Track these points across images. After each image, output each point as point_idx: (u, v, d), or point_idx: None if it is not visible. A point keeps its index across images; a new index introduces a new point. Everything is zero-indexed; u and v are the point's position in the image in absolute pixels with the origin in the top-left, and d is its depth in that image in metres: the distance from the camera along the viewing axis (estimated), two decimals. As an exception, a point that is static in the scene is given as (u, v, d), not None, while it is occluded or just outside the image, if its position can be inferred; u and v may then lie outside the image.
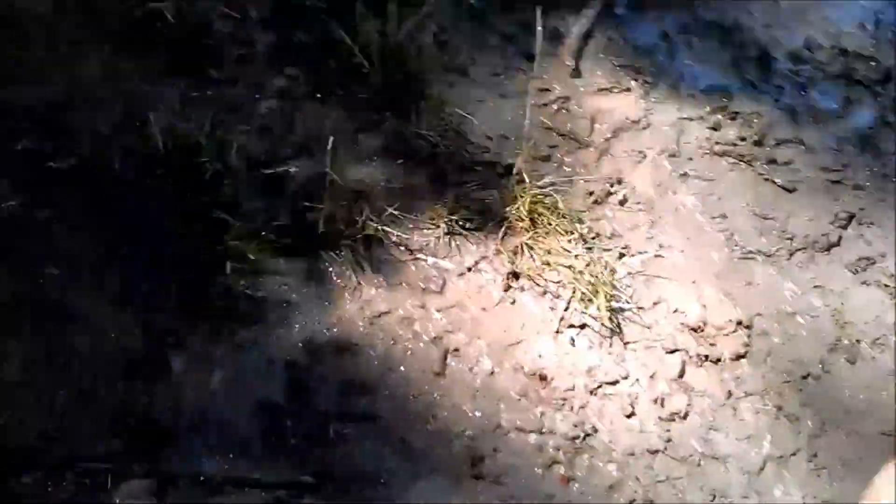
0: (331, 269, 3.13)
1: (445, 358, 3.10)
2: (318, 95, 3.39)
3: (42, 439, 2.56)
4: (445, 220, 3.26)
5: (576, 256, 3.25)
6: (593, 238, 3.34)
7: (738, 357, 3.23)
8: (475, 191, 3.36)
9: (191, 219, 3.01)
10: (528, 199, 3.25)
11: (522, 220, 3.27)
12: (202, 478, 2.63)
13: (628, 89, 3.76)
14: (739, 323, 3.28)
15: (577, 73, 3.75)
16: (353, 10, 3.43)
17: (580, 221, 3.33)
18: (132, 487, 2.54)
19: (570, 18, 3.85)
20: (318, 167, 3.14)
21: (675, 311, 3.29)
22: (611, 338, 3.21)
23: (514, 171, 3.30)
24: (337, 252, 3.12)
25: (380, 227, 3.15)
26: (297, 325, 3.00)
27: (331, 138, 3.08)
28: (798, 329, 3.30)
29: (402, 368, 3.02)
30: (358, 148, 3.29)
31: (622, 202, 3.49)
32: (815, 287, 3.39)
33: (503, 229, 3.29)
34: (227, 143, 3.09)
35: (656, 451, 2.99)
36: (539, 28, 3.36)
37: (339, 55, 3.41)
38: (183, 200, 3.00)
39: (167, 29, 3.30)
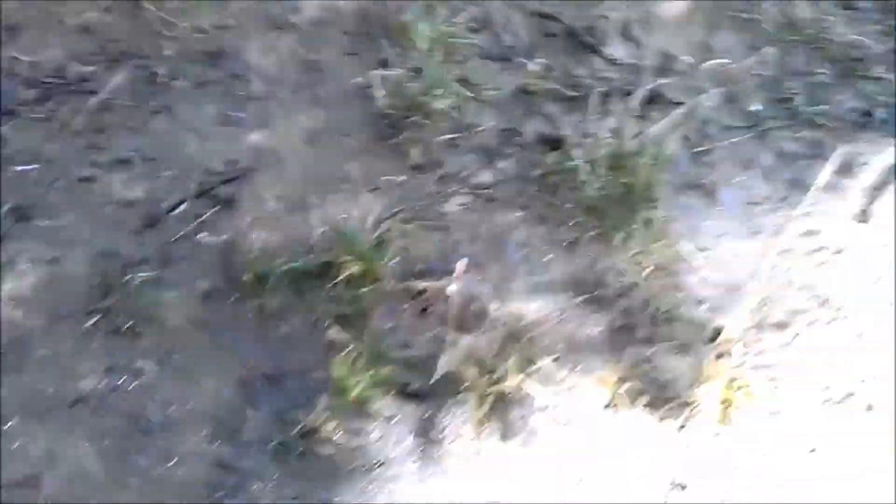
0: (445, 424, 2.55)
1: None
2: (517, 201, 3.05)
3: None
4: (614, 387, 2.62)
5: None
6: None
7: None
8: (664, 355, 2.71)
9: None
10: (726, 383, 2.58)
11: (711, 409, 2.58)
12: None
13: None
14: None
15: (863, 217, 3.06)
16: (584, 106, 3.20)
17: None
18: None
19: (876, 148, 3.24)
20: (478, 286, 2.81)
21: None
22: None
23: (721, 338, 2.69)
24: (460, 403, 2.57)
25: (524, 382, 2.60)
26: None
27: (506, 257, 2.89)
28: None
29: None
30: (536, 272, 2.90)
31: (870, 408, 2.66)
32: None
33: (684, 416, 2.58)
34: (386, 241, 2.86)
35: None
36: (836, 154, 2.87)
37: (557, 153, 3.12)
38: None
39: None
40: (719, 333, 2.73)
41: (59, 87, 3.26)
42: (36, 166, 3.07)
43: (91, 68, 3.31)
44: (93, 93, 3.22)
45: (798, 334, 2.78)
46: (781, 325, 2.79)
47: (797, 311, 2.82)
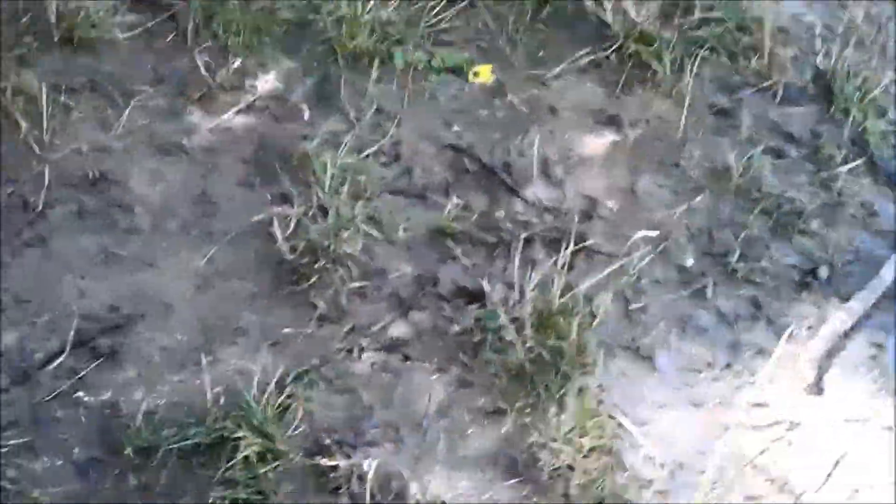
0: None
1: None
2: (434, 361, 2.82)
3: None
4: None
5: None
6: None
7: None
8: None
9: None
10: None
11: None
12: None
13: (889, 428, 2.81)
14: None
15: (816, 389, 2.86)
16: (505, 253, 3.03)
17: None
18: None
19: (822, 311, 3.06)
20: (395, 465, 2.55)
21: None
22: None
23: None
24: None
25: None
26: None
27: (425, 427, 2.65)
28: None
29: None
30: (458, 446, 2.66)
31: None
32: None
33: None
34: (290, 408, 2.61)
35: None
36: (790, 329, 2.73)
37: (478, 306, 2.90)
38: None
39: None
40: (678, 519, 2.48)
41: None
42: None
43: (-47, 193, 2.98)
44: (-48, 223, 2.90)
45: (758, 528, 2.55)
46: (737, 513, 2.55)
47: (753, 497, 2.63)
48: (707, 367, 2.89)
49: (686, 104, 3.52)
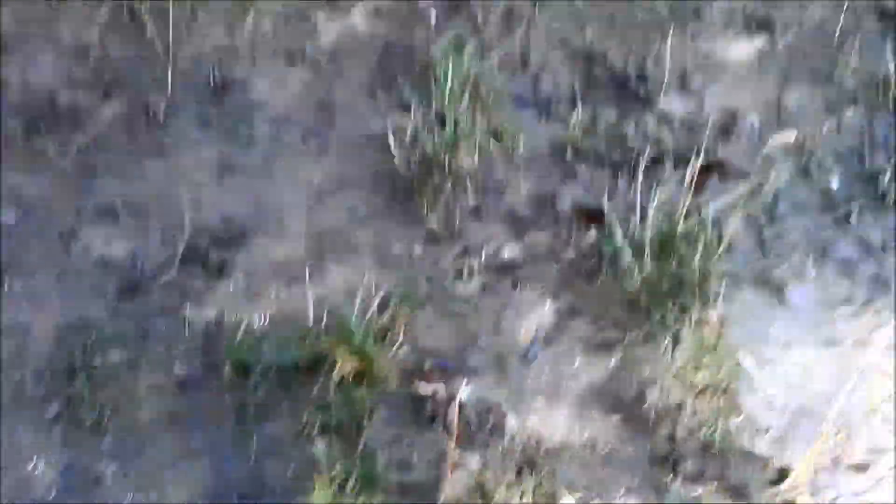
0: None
1: None
2: (546, 286, 2.71)
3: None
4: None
5: None
6: None
7: None
8: (717, 495, 2.37)
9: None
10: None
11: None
12: None
13: None
14: None
15: None
16: (631, 172, 2.81)
17: None
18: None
19: None
20: (493, 393, 2.48)
21: None
22: None
23: (787, 482, 2.36)
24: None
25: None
26: None
27: (530, 357, 2.55)
28: None
29: None
30: (563, 379, 2.56)
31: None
32: None
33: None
34: (391, 330, 2.56)
35: None
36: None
37: (597, 229, 2.77)
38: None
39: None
40: (785, 475, 2.38)
41: (49, 118, 3.01)
42: (17, 213, 2.86)
43: (84, 97, 3.05)
44: (83, 127, 2.98)
45: (881, 479, 2.41)
46: (861, 468, 2.42)
47: (880, 450, 2.44)
48: (844, 302, 2.66)
49: (845, 6, 3.19)
